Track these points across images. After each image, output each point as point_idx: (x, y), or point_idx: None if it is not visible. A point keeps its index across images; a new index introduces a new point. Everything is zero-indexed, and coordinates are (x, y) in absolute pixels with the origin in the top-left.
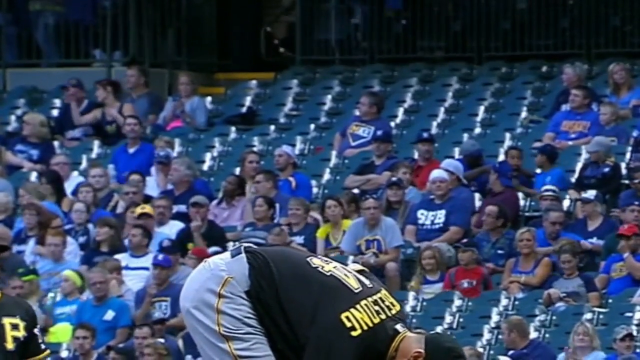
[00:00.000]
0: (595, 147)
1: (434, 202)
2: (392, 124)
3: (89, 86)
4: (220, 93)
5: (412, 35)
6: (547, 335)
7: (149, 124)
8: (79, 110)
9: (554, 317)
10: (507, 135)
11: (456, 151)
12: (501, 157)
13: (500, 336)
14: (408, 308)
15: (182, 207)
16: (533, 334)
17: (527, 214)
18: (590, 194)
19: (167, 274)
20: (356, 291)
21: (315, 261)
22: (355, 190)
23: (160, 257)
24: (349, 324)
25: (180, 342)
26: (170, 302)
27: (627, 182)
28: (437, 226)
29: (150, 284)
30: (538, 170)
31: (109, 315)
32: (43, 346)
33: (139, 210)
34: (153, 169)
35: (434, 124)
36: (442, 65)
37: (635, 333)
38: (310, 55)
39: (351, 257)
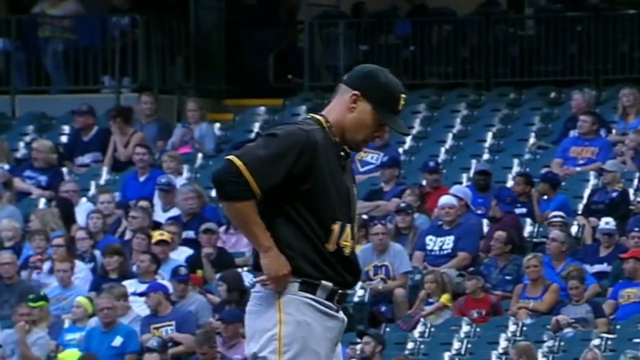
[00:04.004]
0: (613, 167)
1: (443, 228)
2: (400, 150)
3: (98, 112)
4: (228, 119)
5: (421, 61)
6: None
7: (158, 151)
8: (88, 137)
9: (562, 343)
10: (515, 161)
11: (464, 177)
12: (509, 183)
13: None
14: (416, 334)
15: (190, 233)
16: None
17: (535, 240)
18: (609, 223)
19: (162, 300)
20: None
21: None
22: (364, 216)
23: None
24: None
25: None
26: (174, 327)
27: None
28: (445, 252)
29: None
30: (544, 197)
31: (117, 341)
32: None
33: (157, 236)
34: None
35: (442, 150)
36: (450, 91)
37: None
38: (318, 82)
39: (359, 284)
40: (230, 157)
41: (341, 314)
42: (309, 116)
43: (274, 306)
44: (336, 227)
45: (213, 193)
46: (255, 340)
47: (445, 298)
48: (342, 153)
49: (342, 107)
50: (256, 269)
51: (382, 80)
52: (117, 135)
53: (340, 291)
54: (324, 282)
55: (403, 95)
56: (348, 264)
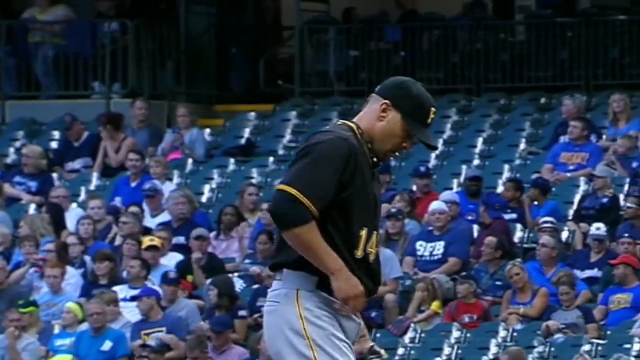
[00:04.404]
0: (604, 172)
1: (433, 234)
2: None
3: (88, 118)
4: (219, 125)
5: (411, 67)
6: None
7: (149, 156)
8: (79, 143)
9: (552, 349)
10: (506, 167)
11: (455, 183)
12: (500, 189)
13: None
14: (407, 340)
15: (181, 239)
16: None
17: (525, 245)
18: (600, 229)
19: (154, 305)
20: None
21: None
22: None
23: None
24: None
25: None
26: (165, 333)
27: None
28: (436, 258)
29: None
30: (535, 203)
31: (107, 346)
32: None
33: (147, 242)
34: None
35: (433, 155)
36: (441, 97)
37: None
38: (309, 87)
39: None
40: (281, 187)
41: (357, 318)
42: (340, 122)
43: (292, 302)
44: (364, 233)
45: (203, 199)
46: (278, 339)
47: (435, 305)
48: (373, 161)
49: (372, 116)
50: (273, 269)
51: (414, 91)
52: (107, 141)
53: None
54: None
55: (433, 109)
56: (371, 271)
